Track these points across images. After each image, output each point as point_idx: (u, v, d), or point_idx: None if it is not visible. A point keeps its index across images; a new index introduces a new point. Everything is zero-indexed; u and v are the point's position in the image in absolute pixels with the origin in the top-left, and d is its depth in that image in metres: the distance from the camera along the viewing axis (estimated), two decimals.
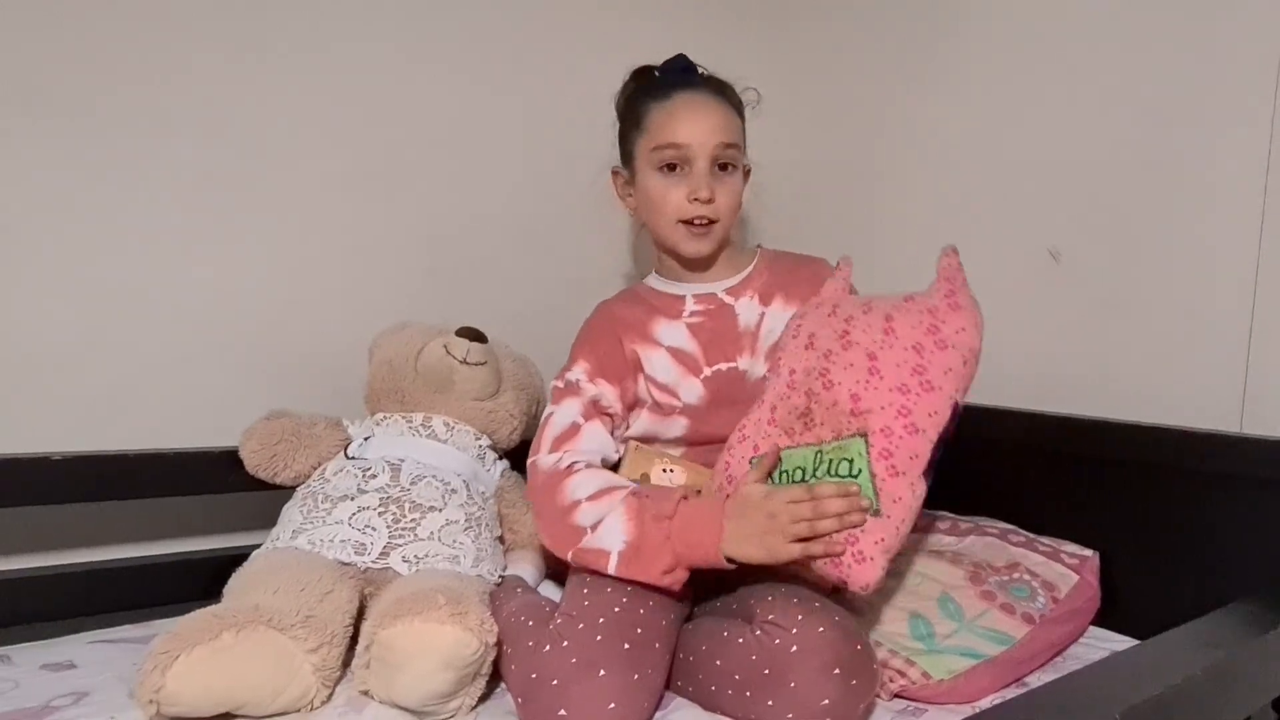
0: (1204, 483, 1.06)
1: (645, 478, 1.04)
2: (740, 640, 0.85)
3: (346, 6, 1.29)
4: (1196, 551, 1.07)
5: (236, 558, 0.99)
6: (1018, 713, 0.64)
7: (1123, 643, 1.05)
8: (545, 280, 1.50)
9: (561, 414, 1.07)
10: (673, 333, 1.12)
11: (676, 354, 1.11)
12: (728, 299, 1.13)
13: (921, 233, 1.49)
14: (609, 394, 1.09)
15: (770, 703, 0.80)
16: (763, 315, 1.11)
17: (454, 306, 1.40)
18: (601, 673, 0.80)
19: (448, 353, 1.18)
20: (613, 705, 0.79)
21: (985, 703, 0.91)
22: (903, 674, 0.91)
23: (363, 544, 0.99)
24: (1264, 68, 1.08)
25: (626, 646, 0.83)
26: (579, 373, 1.10)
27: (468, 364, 1.19)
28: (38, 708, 0.81)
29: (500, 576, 1.07)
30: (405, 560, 0.98)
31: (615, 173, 1.18)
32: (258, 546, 1.03)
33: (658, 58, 1.16)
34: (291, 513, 1.06)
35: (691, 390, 1.10)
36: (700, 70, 1.14)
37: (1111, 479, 1.14)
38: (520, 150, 1.47)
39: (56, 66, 1.10)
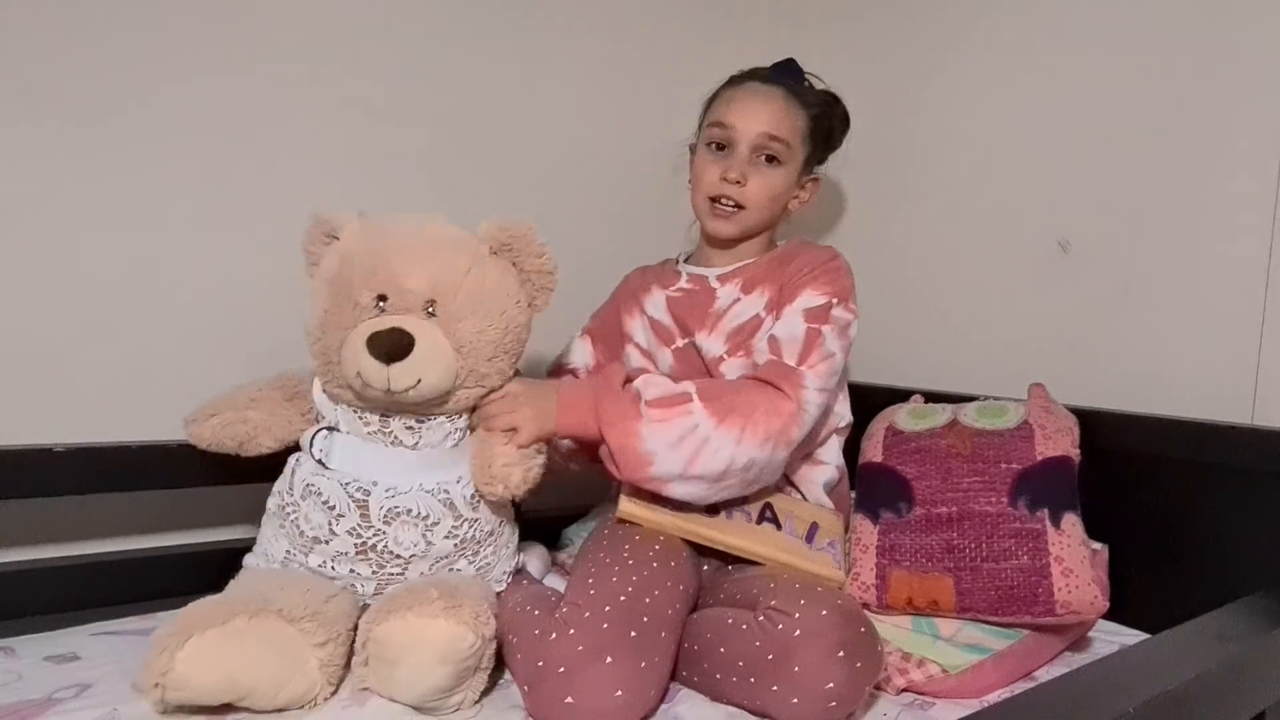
0: (1214, 475, 1.05)
1: None
2: (744, 626, 0.85)
3: None
4: (1206, 545, 1.06)
5: (240, 550, 0.98)
6: (1031, 707, 0.63)
7: (1133, 636, 1.05)
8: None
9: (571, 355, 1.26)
10: (656, 303, 1.20)
11: (654, 324, 1.19)
12: (715, 283, 1.17)
13: (931, 224, 1.48)
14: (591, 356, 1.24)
15: (775, 687, 0.80)
16: (737, 300, 1.15)
17: None
18: (608, 660, 0.79)
19: (365, 381, 0.88)
20: (619, 692, 0.78)
21: (994, 697, 0.91)
22: (921, 665, 0.91)
23: (354, 586, 0.93)
24: (1278, 54, 1.07)
25: (633, 634, 0.83)
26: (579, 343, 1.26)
27: (393, 393, 0.89)
28: (41, 700, 0.80)
29: (510, 575, 1.01)
30: None
31: (691, 147, 1.24)
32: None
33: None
34: (275, 532, 0.96)
35: (664, 360, 1.17)
36: (805, 78, 1.20)
37: (1121, 470, 1.13)
38: (526, 141, 1.45)
39: (57, 58, 1.09)
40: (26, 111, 1.08)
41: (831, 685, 0.78)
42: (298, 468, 0.96)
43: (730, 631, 0.86)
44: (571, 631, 0.82)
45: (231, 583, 0.91)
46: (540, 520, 1.22)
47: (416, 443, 0.95)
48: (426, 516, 0.93)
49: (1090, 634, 1.04)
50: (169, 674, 0.74)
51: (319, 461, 0.94)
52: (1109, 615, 1.06)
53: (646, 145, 1.32)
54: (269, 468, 1.15)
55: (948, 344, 1.42)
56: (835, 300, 1.08)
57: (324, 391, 0.98)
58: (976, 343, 1.41)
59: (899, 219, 1.53)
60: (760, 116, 1.12)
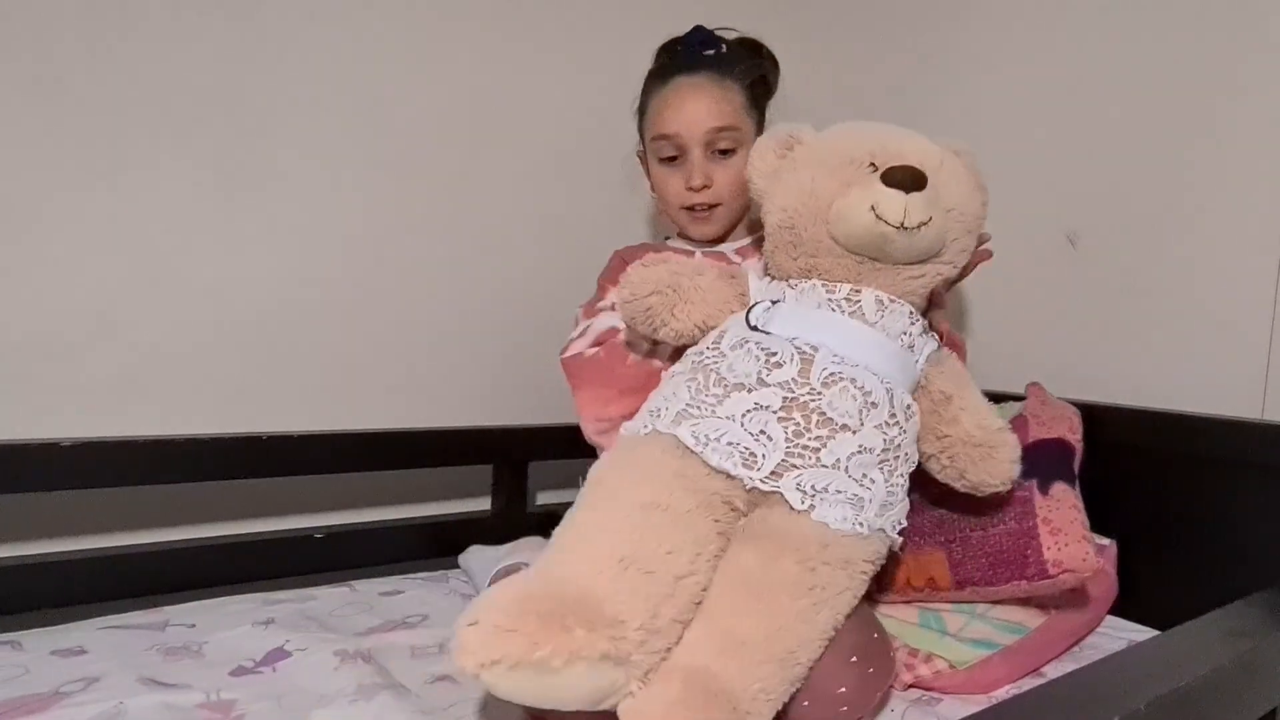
0: (1224, 470, 1.05)
1: None
2: None
3: None
4: (1215, 540, 1.05)
5: (246, 544, 0.98)
6: (1040, 703, 0.63)
7: (1141, 632, 1.04)
8: (557, 266, 1.48)
9: (601, 322, 1.09)
10: None
11: None
12: (735, 258, 1.14)
13: None
14: None
15: None
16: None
17: (466, 292, 1.39)
18: None
19: (878, 217, 0.85)
20: None
21: (1002, 693, 0.90)
22: (928, 661, 0.91)
23: (753, 454, 0.79)
24: None
25: None
26: (609, 303, 1.12)
27: (906, 229, 0.85)
28: (48, 694, 0.80)
29: (900, 530, 0.86)
30: (800, 488, 0.79)
31: (640, 155, 1.19)
32: (267, 533, 1.01)
33: (655, 44, 1.15)
34: (678, 386, 0.86)
35: None
36: (722, 41, 1.13)
37: (1130, 466, 1.12)
38: (534, 135, 1.45)
39: (64, 53, 1.09)
40: (36, 107, 1.08)
41: (843, 690, 0.77)
42: (726, 332, 0.89)
43: None
44: None
45: (586, 489, 0.81)
46: (550, 517, 1.22)
47: (878, 321, 0.88)
48: (870, 394, 0.82)
49: (1099, 630, 1.04)
50: (479, 679, 0.65)
51: (755, 329, 0.87)
52: (1118, 611, 1.06)
53: None
54: (275, 462, 1.15)
55: None
56: None
57: (769, 276, 0.96)
58: (983, 338, 1.40)
59: None
60: (699, 114, 1.07)
